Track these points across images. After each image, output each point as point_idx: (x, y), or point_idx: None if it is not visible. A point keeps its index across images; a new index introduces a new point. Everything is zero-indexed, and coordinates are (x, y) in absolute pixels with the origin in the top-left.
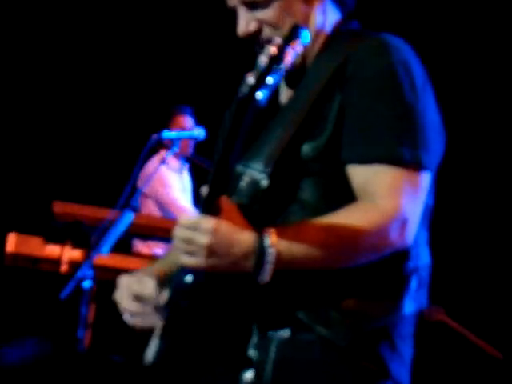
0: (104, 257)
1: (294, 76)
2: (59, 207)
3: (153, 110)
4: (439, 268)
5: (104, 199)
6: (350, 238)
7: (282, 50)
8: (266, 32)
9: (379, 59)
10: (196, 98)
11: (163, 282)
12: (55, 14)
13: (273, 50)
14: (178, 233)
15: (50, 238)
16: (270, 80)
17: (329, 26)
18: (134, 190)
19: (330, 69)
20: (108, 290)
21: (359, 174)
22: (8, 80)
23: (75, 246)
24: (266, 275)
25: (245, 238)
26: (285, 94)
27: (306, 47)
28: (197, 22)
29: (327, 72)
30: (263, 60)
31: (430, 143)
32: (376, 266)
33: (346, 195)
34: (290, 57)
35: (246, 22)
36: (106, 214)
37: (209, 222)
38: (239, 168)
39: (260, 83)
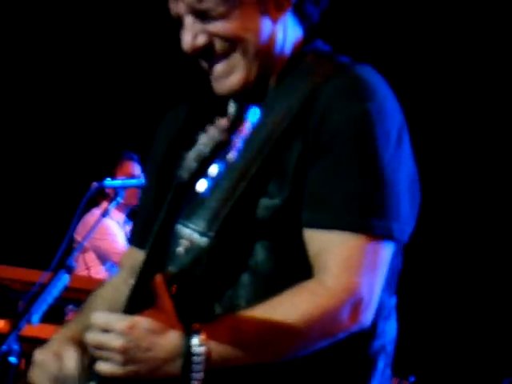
0: (34, 327)
1: (249, 98)
2: None
3: (94, 155)
4: None
5: (34, 259)
6: (293, 330)
7: (228, 137)
8: (219, 47)
9: (352, 105)
10: (143, 144)
11: (83, 347)
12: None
13: (220, 136)
14: (89, 336)
15: None
16: (213, 171)
17: (289, 45)
18: (70, 248)
19: (291, 109)
20: None
21: (316, 241)
22: None
23: None
24: (198, 378)
25: (167, 339)
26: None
27: (265, 69)
28: (145, 67)
29: (287, 112)
30: (206, 143)
31: (401, 210)
32: (339, 348)
33: (303, 264)
34: (237, 144)
35: (193, 35)
36: (37, 276)
37: (122, 323)
38: (177, 228)
39: (202, 171)
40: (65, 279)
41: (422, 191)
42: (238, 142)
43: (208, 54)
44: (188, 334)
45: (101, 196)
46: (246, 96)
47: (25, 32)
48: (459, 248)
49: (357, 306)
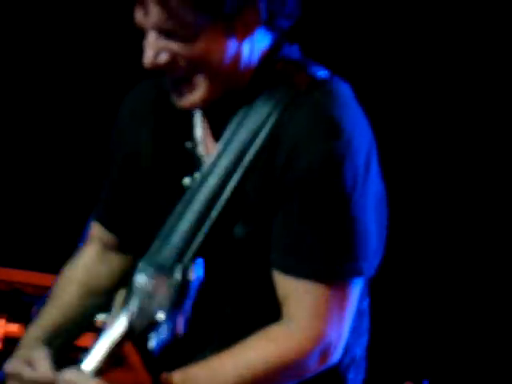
0: None
1: (217, 115)
2: None
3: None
4: None
5: (47, 263)
6: (261, 378)
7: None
8: (182, 66)
9: (319, 146)
10: None
11: (54, 342)
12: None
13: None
14: None
15: None
16: (152, 344)
17: (256, 55)
18: None
19: (260, 130)
20: None
21: (283, 285)
22: None
23: (12, 319)
24: None
25: None
26: (203, 142)
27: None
28: None
29: (254, 141)
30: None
31: (370, 247)
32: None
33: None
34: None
35: (155, 52)
36: (50, 280)
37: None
38: (143, 267)
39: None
40: None
41: (389, 204)
42: (181, 321)
43: (169, 69)
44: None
45: None
46: (211, 108)
47: (31, 41)
48: (470, 250)
49: (326, 351)
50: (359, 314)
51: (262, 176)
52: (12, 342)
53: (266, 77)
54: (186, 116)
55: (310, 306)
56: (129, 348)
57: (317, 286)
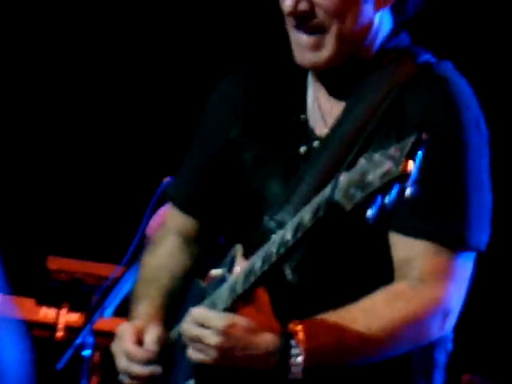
0: (107, 321)
1: (334, 84)
2: (54, 263)
3: (167, 150)
4: None
5: (107, 253)
6: (389, 331)
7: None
8: (319, 17)
9: (450, 115)
10: None
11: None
12: None
13: None
14: (186, 328)
15: (44, 300)
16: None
17: (379, 39)
18: (143, 243)
19: (380, 105)
20: (112, 359)
21: (409, 247)
22: None
23: (73, 308)
24: (296, 374)
25: (265, 339)
26: (316, 114)
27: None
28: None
29: (377, 107)
30: None
31: (488, 223)
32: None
33: (383, 264)
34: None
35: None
36: (109, 270)
37: (221, 320)
38: (270, 225)
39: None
40: (137, 274)
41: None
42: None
43: (303, 20)
44: (286, 334)
45: None
46: (327, 76)
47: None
48: None
49: (446, 316)
50: None
51: (392, 136)
52: (73, 331)
53: (386, 58)
54: (297, 90)
55: (437, 268)
56: (261, 291)
57: (445, 250)
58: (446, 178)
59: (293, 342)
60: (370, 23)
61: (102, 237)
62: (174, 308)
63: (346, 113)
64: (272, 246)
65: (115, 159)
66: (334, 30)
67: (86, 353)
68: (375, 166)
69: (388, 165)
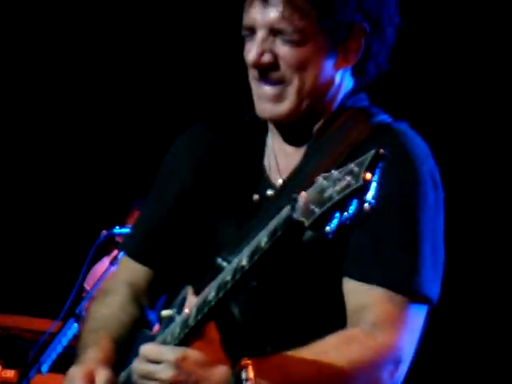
0: (43, 377)
1: (292, 137)
2: None
3: (104, 204)
4: None
5: (44, 309)
6: (340, 375)
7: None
8: (281, 70)
9: (407, 168)
10: None
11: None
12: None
13: None
14: (138, 366)
15: None
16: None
17: (339, 97)
18: (80, 297)
19: (336, 160)
20: None
21: (361, 293)
22: None
23: (7, 365)
24: None
25: (217, 373)
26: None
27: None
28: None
29: (332, 163)
30: None
31: (440, 277)
32: None
33: (337, 308)
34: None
35: (261, 51)
36: (47, 325)
37: (174, 354)
38: (223, 265)
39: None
40: (74, 328)
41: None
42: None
43: (266, 72)
44: (236, 369)
45: (111, 244)
46: (285, 128)
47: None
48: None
49: (397, 364)
50: None
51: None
52: None
53: (343, 115)
54: (257, 141)
55: (391, 316)
56: (211, 326)
57: (399, 298)
58: (402, 229)
59: (243, 375)
60: (331, 80)
61: (37, 291)
62: (121, 356)
63: (301, 164)
64: (227, 274)
65: (54, 213)
66: (295, 82)
67: None
68: (334, 183)
69: (347, 179)
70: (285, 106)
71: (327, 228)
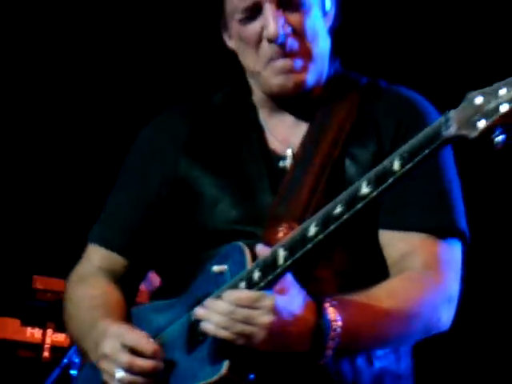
0: None
1: (297, 107)
2: (40, 283)
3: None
4: None
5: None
6: (411, 311)
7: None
8: (297, 41)
9: (426, 118)
10: None
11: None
12: None
13: None
14: (235, 311)
15: (29, 320)
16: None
17: (328, 62)
18: None
19: (347, 117)
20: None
21: (404, 242)
22: None
23: (58, 328)
24: (330, 354)
25: (308, 315)
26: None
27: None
28: None
29: (346, 120)
30: None
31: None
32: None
33: (375, 262)
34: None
35: (280, 23)
36: None
37: (270, 299)
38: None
39: None
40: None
41: None
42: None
43: (284, 46)
44: (322, 311)
45: None
46: (287, 102)
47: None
48: None
49: (451, 302)
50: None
51: (370, 143)
52: (60, 351)
53: (335, 84)
54: (248, 122)
55: (438, 258)
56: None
57: (438, 239)
58: (432, 176)
59: (331, 317)
60: (327, 42)
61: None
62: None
63: (310, 133)
64: (334, 206)
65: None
66: (314, 50)
67: (73, 372)
68: (491, 96)
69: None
70: (307, 75)
71: (496, 140)
